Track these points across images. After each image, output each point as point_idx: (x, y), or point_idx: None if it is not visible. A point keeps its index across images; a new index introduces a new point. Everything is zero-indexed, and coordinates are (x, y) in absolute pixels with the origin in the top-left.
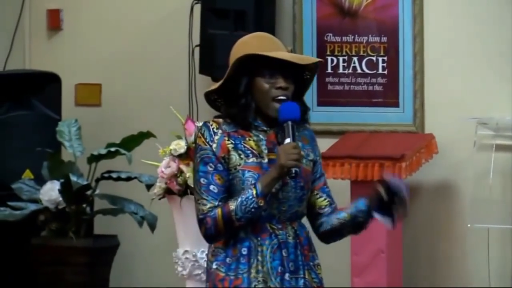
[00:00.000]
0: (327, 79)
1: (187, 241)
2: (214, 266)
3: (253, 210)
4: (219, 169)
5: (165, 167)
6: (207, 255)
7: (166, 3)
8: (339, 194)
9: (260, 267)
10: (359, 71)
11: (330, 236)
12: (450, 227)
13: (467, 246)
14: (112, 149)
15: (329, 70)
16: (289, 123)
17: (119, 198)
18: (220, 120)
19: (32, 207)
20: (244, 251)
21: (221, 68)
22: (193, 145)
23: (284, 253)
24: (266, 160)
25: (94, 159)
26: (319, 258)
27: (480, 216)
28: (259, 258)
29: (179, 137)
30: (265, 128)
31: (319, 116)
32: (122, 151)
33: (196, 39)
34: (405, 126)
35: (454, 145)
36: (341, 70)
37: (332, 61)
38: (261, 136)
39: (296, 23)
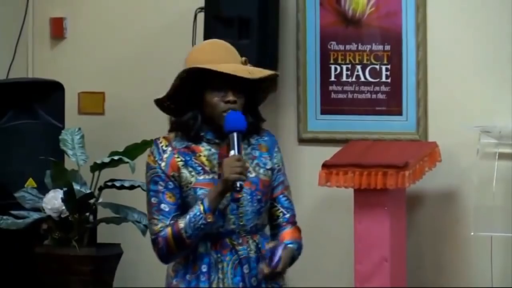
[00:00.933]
0: (330, 88)
1: None
2: (174, 283)
3: (202, 226)
4: (170, 187)
5: None
6: (168, 269)
7: (169, 11)
8: (342, 203)
9: (221, 284)
10: (362, 79)
11: None
12: (453, 235)
13: (470, 253)
14: (116, 157)
15: (333, 79)
16: (234, 134)
17: (122, 207)
18: (171, 136)
19: (35, 215)
20: (204, 268)
21: None
22: None
23: (245, 269)
24: (218, 176)
25: (97, 167)
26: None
27: (483, 224)
28: (220, 275)
29: None
30: (217, 141)
31: (322, 124)
32: (126, 159)
33: None
34: (408, 134)
35: (457, 153)
36: (344, 79)
37: (335, 69)
38: (213, 150)
39: (300, 31)
